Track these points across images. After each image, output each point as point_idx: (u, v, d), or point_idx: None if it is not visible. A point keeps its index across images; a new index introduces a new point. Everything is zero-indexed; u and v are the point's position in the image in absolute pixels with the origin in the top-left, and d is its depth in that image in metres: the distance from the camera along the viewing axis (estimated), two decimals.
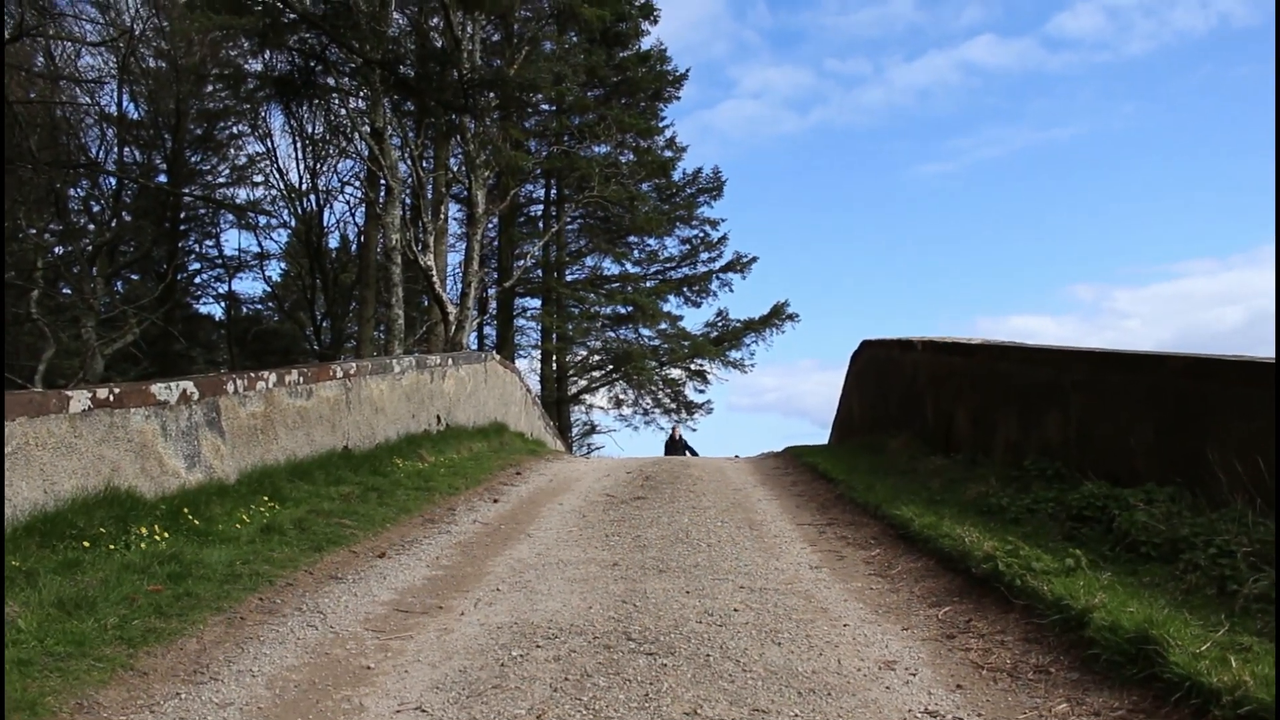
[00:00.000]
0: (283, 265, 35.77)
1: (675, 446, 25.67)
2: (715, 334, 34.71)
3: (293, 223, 31.02)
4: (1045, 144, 75.83)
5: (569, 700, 3.93)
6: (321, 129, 28.32)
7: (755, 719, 3.75)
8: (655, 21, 30.66)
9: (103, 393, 6.51)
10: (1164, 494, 5.73)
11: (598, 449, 36.72)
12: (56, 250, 25.33)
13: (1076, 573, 5.01)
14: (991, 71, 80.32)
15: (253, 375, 8.51)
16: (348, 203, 34.52)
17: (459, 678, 4.21)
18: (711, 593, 5.65)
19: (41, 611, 4.51)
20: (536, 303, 35.32)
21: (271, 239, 38.44)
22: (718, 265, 34.93)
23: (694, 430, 36.15)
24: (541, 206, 35.48)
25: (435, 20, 22.58)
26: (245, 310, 35.21)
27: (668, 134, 32.86)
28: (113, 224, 26.63)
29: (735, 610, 5.26)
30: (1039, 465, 7.42)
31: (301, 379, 9.30)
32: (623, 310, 34.32)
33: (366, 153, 21.35)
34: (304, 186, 29.87)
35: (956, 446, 9.53)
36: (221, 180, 32.08)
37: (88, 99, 24.77)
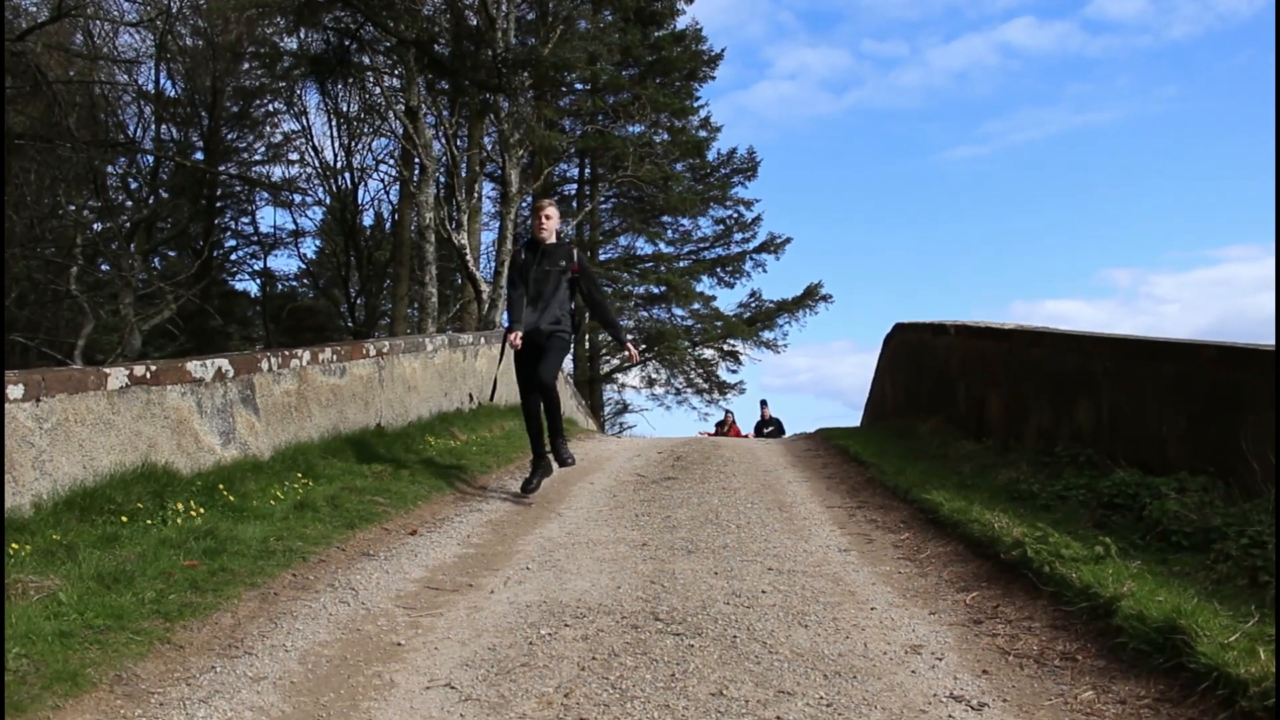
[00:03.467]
0: (318, 243, 36.08)
1: None
2: (748, 314, 34.69)
3: (328, 200, 31.28)
4: (1083, 128, 74.78)
5: (596, 679, 3.97)
6: (356, 107, 28.48)
7: (781, 700, 3.77)
8: (690, 1, 30.57)
9: (140, 370, 6.61)
10: (1196, 483, 5.69)
11: (630, 428, 36.81)
12: (95, 227, 25.63)
13: (1106, 560, 5.00)
14: (1030, 54, 79.19)
15: (287, 353, 8.61)
16: (382, 181, 34.70)
17: (488, 655, 4.27)
18: (740, 574, 5.68)
19: (82, 585, 4.60)
20: None
21: (306, 216, 38.86)
22: (751, 246, 34.90)
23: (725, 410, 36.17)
24: (575, 186, 35.51)
25: None
26: (280, 287, 35.55)
27: (702, 114, 32.83)
28: (150, 201, 26.91)
29: (763, 592, 5.29)
30: (1070, 452, 7.39)
31: (335, 357, 9.39)
32: (656, 290, 34.37)
33: (401, 131, 21.41)
34: (339, 164, 30.11)
35: (988, 432, 9.50)
36: (257, 158, 32.35)
37: (125, 77, 25.00)
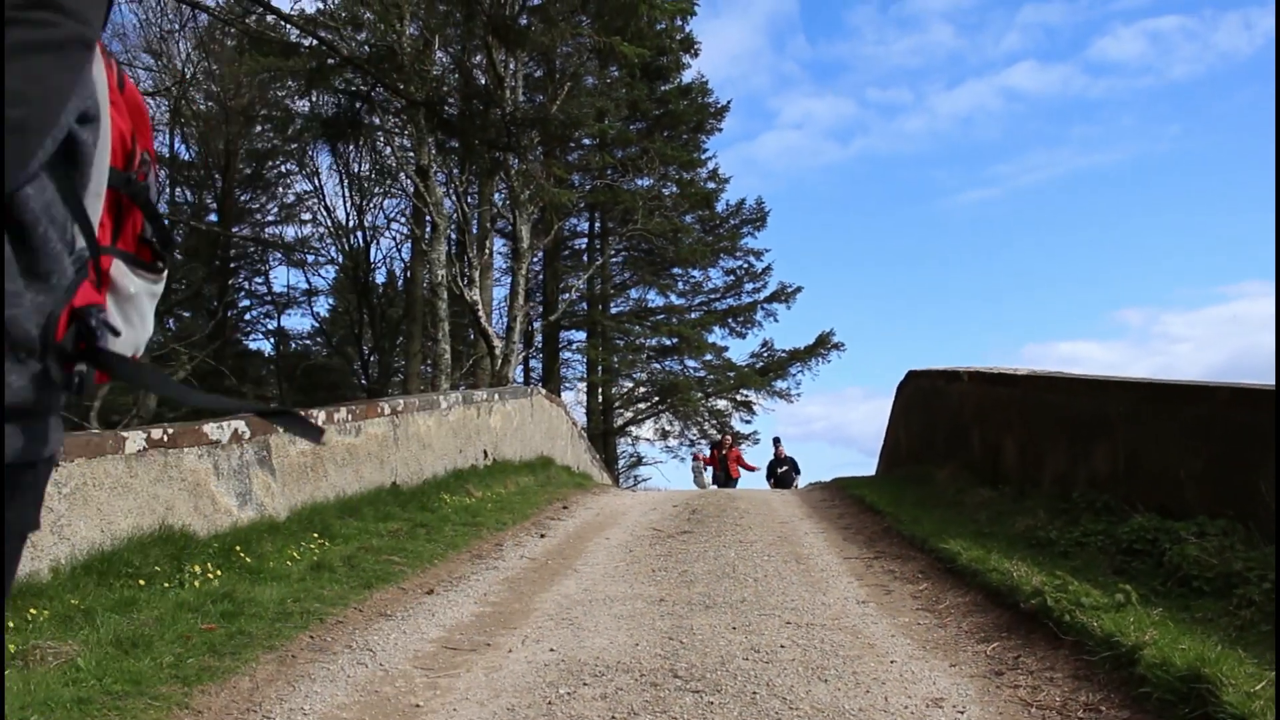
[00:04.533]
0: (330, 301, 36.23)
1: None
2: (761, 364, 34.73)
3: (340, 259, 31.50)
4: (1090, 169, 75.17)
5: None
6: (368, 167, 28.78)
7: None
8: (696, 54, 30.95)
9: (157, 433, 6.66)
10: (1216, 527, 5.66)
11: (644, 480, 36.70)
12: None
13: (1127, 608, 4.96)
14: (1033, 97, 79.87)
15: (302, 413, 8.63)
16: (394, 239, 34.95)
17: (507, 716, 4.24)
18: (758, 629, 5.64)
19: (100, 650, 4.60)
20: (582, 335, 35.58)
21: (319, 275, 38.96)
22: (762, 295, 35.03)
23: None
24: (585, 240, 35.77)
25: (478, 58, 22.92)
26: (294, 346, 35.69)
27: (710, 165, 33.11)
28: None
29: (782, 646, 5.26)
30: (1087, 497, 7.36)
31: (350, 416, 9.42)
32: (668, 342, 34.45)
33: (412, 190, 21.64)
34: (351, 224, 30.37)
35: (1004, 478, 9.46)
36: (270, 218, 32.73)
37: None
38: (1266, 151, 65.71)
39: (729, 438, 24.09)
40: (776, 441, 23.60)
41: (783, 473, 22.54)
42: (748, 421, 35.72)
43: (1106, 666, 4.45)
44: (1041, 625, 5.19)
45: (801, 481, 21.76)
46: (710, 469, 23.21)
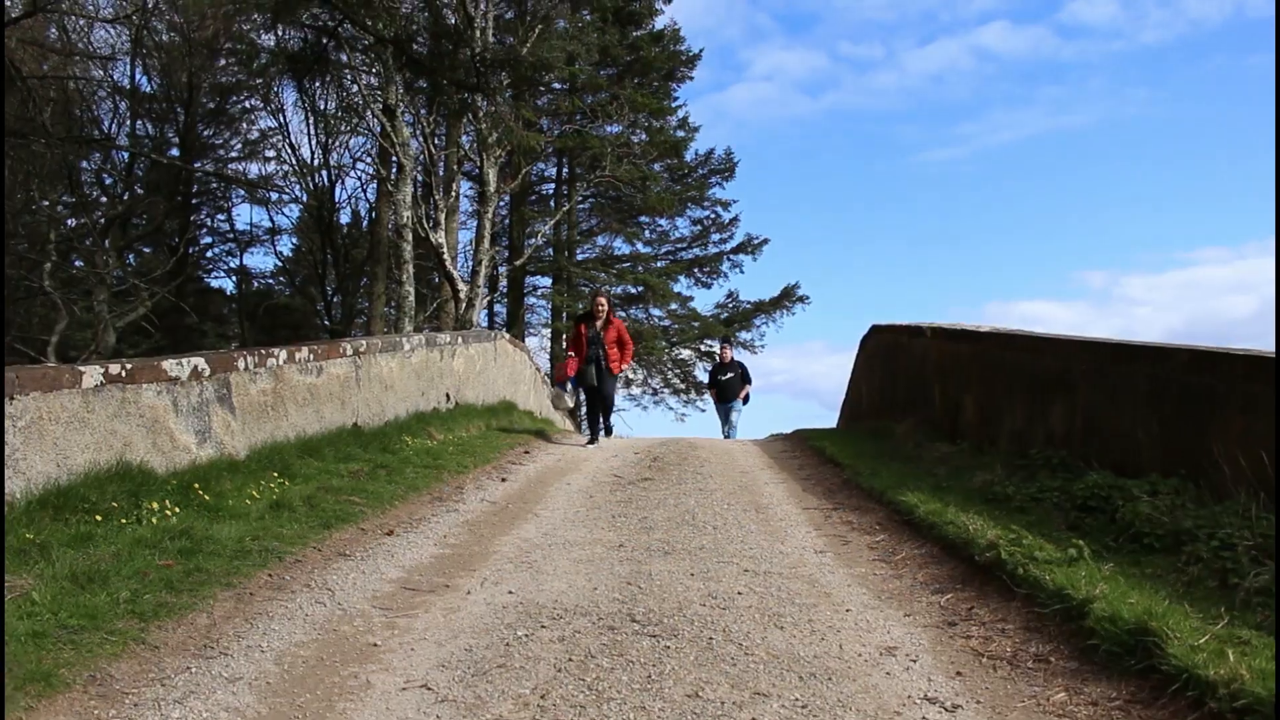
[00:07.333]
0: (294, 240, 35.83)
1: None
2: (725, 315, 34.78)
3: (304, 198, 31.13)
4: (1057, 130, 75.65)
5: (573, 680, 3.98)
6: (334, 105, 28.35)
7: (756, 702, 3.79)
8: (669, 1, 30.61)
9: (115, 368, 6.57)
10: (1168, 486, 5.75)
11: None
12: (69, 223, 25.41)
13: (1079, 563, 5.04)
14: (1004, 58, 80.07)
15: (263, 352, 8.57)
16: (359, 179, 34.59)
17: (465, 656, 4.27)
18: (716, 575, 5.69)
19: (55, 584, 4.57)
20: (547, 281, 35.42)
21: (283, 214, 38.48)
22: (729, 246, 35.01)
23: (701, 410, 35.96)
24: (553, 185, 35.48)
25: None
26: (256, 285, 35.40)
27: (680, 114, 32.83)
28: (125, 197, 26.75)
29: (739, 593, 5.31)
30: (1045, 454, 7.44)
31: (312, 356, 9.35)
32: (633, 290, 34.37)
33: (378, 129, 21.34)
34: (316, 162, 30.01)
35: (963, 434, 9.56)
36: (234, 155, 32.19)
37: (101, 72, 24.80)
38: (1232, 120, 66.27)
39: (604, 300, 13.60)
40: (725, 342, 19.78)
41: (727, 380, 18.38)
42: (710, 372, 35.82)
43: (1057, 619, 4.53)
44: (995, 578, 5.27)
45: (752, 391, 18.74)
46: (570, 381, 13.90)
